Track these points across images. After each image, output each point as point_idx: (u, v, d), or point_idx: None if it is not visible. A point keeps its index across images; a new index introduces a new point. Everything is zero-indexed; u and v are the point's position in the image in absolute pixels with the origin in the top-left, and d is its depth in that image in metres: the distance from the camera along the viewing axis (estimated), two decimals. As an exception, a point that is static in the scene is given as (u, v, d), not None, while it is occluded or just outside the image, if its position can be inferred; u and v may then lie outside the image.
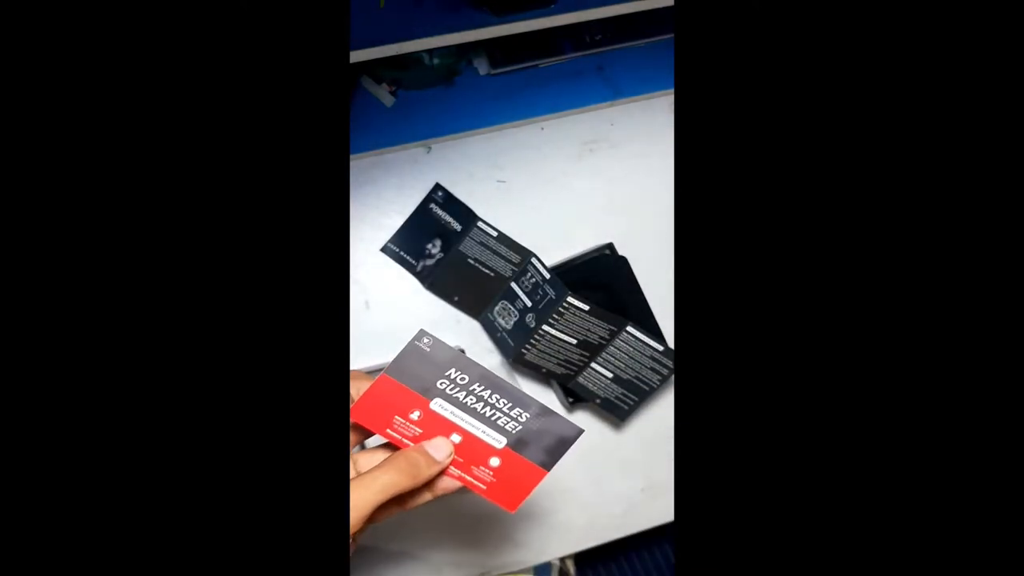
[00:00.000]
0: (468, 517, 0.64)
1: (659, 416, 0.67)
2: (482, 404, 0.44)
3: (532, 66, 0.72)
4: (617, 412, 0.64)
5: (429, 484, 0.44)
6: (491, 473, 0.45)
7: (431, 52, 0.68)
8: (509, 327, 0.64)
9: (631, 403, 0.64)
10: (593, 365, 0.63)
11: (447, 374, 0.44)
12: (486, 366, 0.44)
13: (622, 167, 0.71)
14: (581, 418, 0.66)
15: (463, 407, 0.44)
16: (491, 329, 0.65)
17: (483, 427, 0.44)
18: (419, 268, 0.66)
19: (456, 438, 0.44)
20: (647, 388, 0.64)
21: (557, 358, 0.63)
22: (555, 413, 0.45)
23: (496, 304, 0.65)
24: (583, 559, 0.72)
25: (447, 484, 0.44)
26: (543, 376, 0.64)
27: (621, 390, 0.64)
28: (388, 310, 0.66)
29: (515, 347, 0.63)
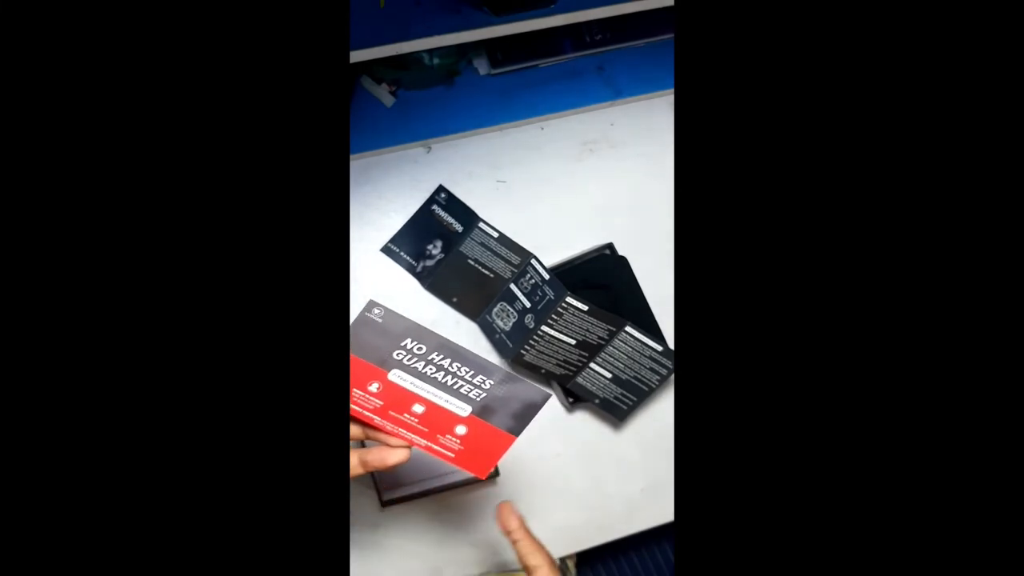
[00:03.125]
0: (468, 516, 0.64)
1: (659, 416, 0.67)
2: (443, 373, 0.44)
3: (532, 66, 0.72)
4: (616, 412, 0.64)
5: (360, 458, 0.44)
6: (458, 441, 0.45)
7: (431, 52, 0.68)
8: (508, 328, 0.64)
9: (630, 403, 0.64)
10: (592, 365, 0.63)
11: (403, 344, 0.43)
12: None
13: (622, 167, 0.71)
14: (581, 417, 0.66)
15: (422, 377, 0.44)
16: (489, 331, 0.65)
17: (446, 396, 0.44)
18: (419, 268, 0.66)
19: (419, 408, 0.44)
20: (646, 388, 0.64)
21: (556, 358, 0.63)
22: (521, 379, 0.44)
23: (495, 306, 0.65)
24: (583, 559, 0.72)
25: (375, 457, 0.44)
26: (543, 377, 0.64)
27: (620, 390, 0.64)
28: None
29: (514, 348, 0.63)
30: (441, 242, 0.67)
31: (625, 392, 0.64)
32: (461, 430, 0.45)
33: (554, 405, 0.66)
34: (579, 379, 0.63)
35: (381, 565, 0.62)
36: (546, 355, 0.62)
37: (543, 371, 0.63)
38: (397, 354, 0.44)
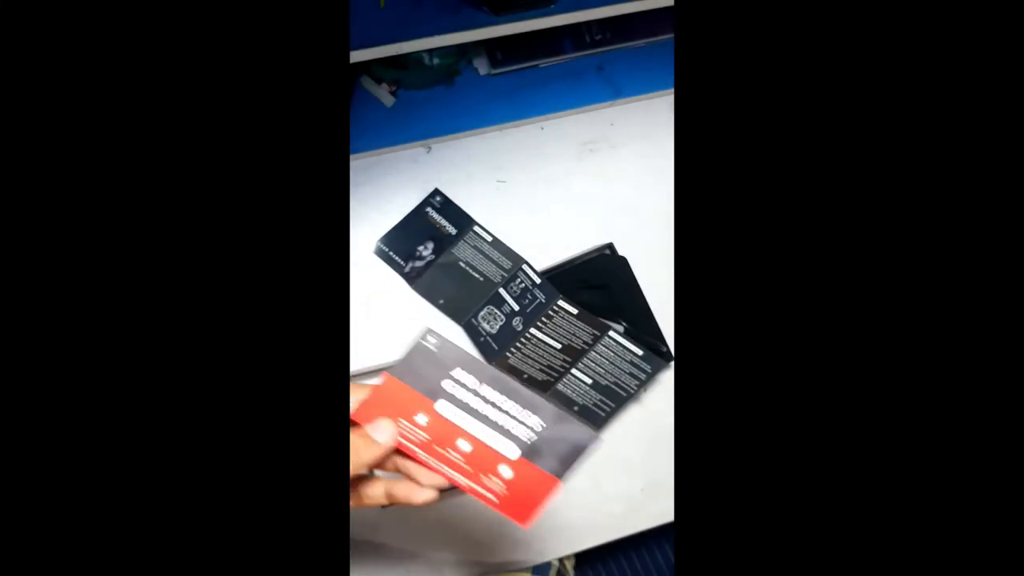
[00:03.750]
0: (468, 517, 0.64)
1: (658, 416, 0.67)
2: (492, 408, 0.42)
3: (532, 66, 0.72)
4: (594, 419, 0.64)
5: (374, 487, 0.42)
6: (503, 484, 0.43)
7: (431, 52, 0.69)
8: (494, 331, 0.64)
9: (608, 410, 0.64)
10: (573, 371, 0.63)
11: (452, 374, 0.42)
12: None
13: (622, 167, 0.71)
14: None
15: (471, 411, 0.42)
16: (474, 334, 0.65)
17: (495, 435, 0.42)
18: (407, 269, 0.66)
19: (466, 446, 0.42)
20: (624, 394, 0.64)
21: (540, 363, 0.63)
22: (569, 418, 0.42)
23: (481, 309, 0.65)
24: (582, 559, 0.73)
25: (403, 492, 0.42)
26: (524, 382, 0.64)
27: (599, 396, 0.64)
28: (386, 310, 0.66)
29: (499, 351, 0.63)
30: (432, 244, 0.67)
31: (604, 398, 0.64)
32: (506, 472, 0.42)
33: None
34: (559, 386, 0.64)
35: (381, 565, 0.62)
36: (531, 359, 0.63)
37: (526, 376, 0.63)
38: (446, 384, 0.42)
